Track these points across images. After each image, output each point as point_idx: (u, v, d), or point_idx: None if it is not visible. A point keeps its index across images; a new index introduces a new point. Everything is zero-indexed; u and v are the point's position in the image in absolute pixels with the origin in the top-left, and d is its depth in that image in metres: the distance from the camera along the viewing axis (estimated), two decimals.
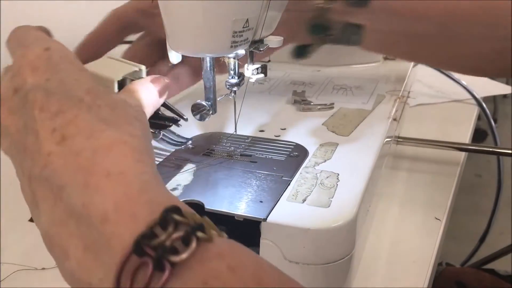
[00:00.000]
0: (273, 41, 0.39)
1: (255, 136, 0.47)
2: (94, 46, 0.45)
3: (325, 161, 0.42)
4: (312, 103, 0.53)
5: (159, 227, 0.22)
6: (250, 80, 0.40)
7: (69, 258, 0.24)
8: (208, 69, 0.40)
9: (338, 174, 0.40)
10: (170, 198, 0.25)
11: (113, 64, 0.38)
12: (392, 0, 0.47)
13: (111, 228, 0.23)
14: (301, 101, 0.53)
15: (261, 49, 0.38)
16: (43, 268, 0.43)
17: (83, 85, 0.29)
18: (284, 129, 0.49)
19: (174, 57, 0.41)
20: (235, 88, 0.41)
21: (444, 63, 0.52)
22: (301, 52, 0.51)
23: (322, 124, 0.49)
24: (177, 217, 0.23)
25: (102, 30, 0.46)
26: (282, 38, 0.40)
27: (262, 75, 0.40)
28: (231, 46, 0.36)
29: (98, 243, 0.23)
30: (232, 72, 0.40)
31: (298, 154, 0.44)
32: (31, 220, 0.50)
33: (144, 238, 0.22)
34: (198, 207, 0.36)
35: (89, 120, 0.27)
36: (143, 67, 0.38)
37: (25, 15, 0.94)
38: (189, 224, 0.23)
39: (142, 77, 0.37)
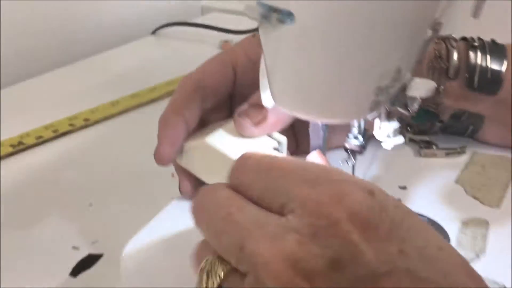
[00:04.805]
0: (421, 88, 0.26)
1: None
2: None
3: (477, 256, 0.30)
4: (435, 147, 0.40)
5: None
6: (383, 145, 0.27)
7: None
8: (320, 124, 0.27)
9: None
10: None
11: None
12: None
13: None
14: (419, 142, 0.40)
15: (410, 109, 0.25)
16: None
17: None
18: (404, 188, 0.36)
19: (268, 99, 0.29)
20: (356, 152, 0.28)
21: None
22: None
23: (456, 183, 0.36)
24: None
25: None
26: (433, 82, 0.27)
27: (401, 139, 0.27)
28: (370, 108, 0.23)
29: None
30: (355, 130, 0.27)
31: None
32: None
33: None
34: None
35: None
36: (284, 139, 0.29)
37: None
38: None
39: (283, 152, 0.29)
